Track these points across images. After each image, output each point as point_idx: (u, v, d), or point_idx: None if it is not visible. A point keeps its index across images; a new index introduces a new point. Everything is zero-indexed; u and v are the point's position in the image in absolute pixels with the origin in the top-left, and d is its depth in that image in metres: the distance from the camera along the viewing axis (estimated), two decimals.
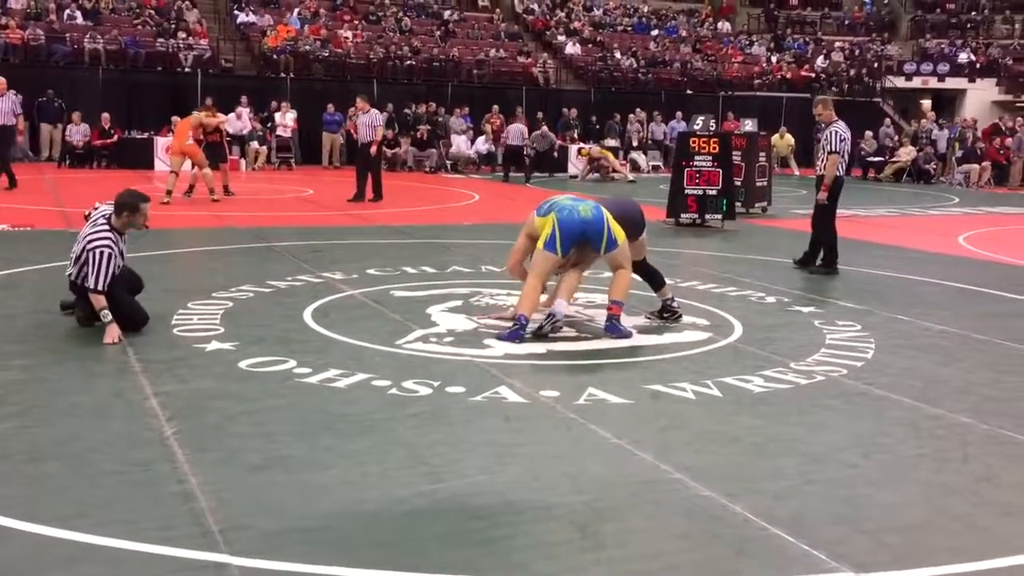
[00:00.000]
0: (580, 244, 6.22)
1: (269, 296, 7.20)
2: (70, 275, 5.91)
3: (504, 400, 4.79)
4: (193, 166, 14.63)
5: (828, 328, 6.63)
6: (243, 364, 5.26)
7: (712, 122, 13.52)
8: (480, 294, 7.45)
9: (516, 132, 21.04)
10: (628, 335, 6.22)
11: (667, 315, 6.75)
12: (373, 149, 14.64)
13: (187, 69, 23.21)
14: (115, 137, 19.99)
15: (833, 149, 9.11)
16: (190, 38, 24.13)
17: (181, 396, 4.64)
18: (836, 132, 9.15)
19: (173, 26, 24.57)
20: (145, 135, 20.66)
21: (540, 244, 6.22)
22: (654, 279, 6.82)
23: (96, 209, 6.08)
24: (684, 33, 32.24)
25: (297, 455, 3.90)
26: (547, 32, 30.17)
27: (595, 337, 6.23)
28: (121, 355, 5.37)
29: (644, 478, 3.83)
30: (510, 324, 6.16)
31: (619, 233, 6.27)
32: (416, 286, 7.76)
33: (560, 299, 6.34)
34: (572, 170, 22.62)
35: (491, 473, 3.81)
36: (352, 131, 14.92)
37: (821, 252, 9.25)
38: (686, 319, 6.76)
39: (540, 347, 5.90)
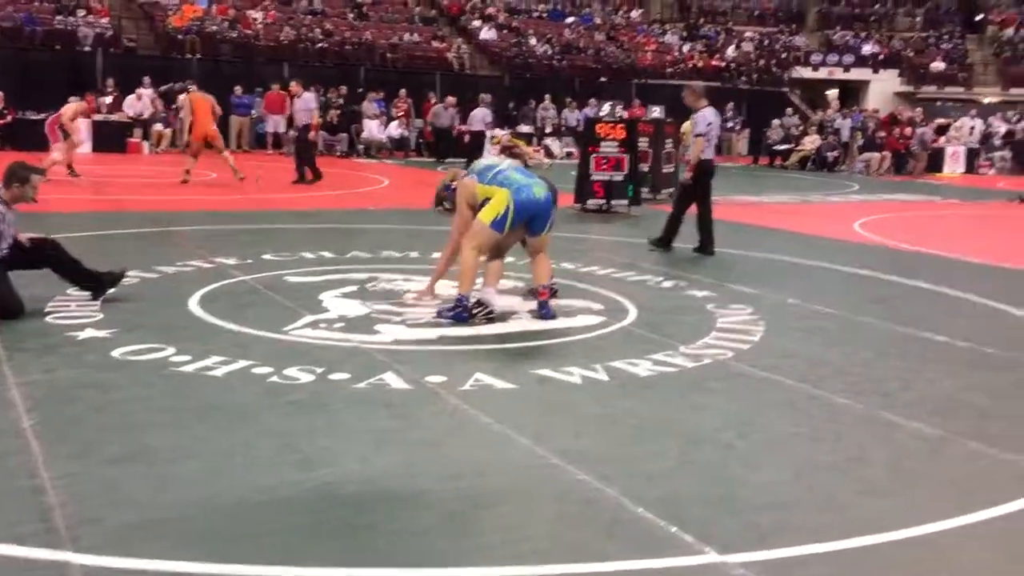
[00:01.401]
0: (524, 224, 6.14)
1: (155, 282, 6.96)
2: None
3: (388, 387, 4.70)
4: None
5: (720, 312, 6.70)
6: (117, 353, 5.05)
7: (619, 108, 13.58)
8: (377, 279, 7.32)
9: (480, 117, 20.64)
10: (555, 316, 6.27)
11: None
12: (312, 134, 14.75)
13: (87, 48, 22.40)
14: (8, 118, 19.16)
15: (699, 132, 9.42)
16: (90, 15, 23.30)
17: (44, 386, 4.44)
18: (704, 116, 9.44)
19: (73, 3, 23.69)
20: (41, 116, 19.82)
21: (486, 219, 6.01)
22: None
23: None
24: (599, 21, 32.41)
25: (161, 446, 3.75)
26: (462, 17, 29.99)
27: (488, 322, 6.17)
28: None
29: (520, 464, 3.79)
30: (436, 303, 6.14)
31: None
32: (312, 271, 7.60)
33: (489, 287, 6.27)
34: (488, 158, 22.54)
35: (365, 461, 3.73)
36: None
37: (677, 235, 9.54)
38: (580, 303, 6.75)
39: (431, 332, 5.82)
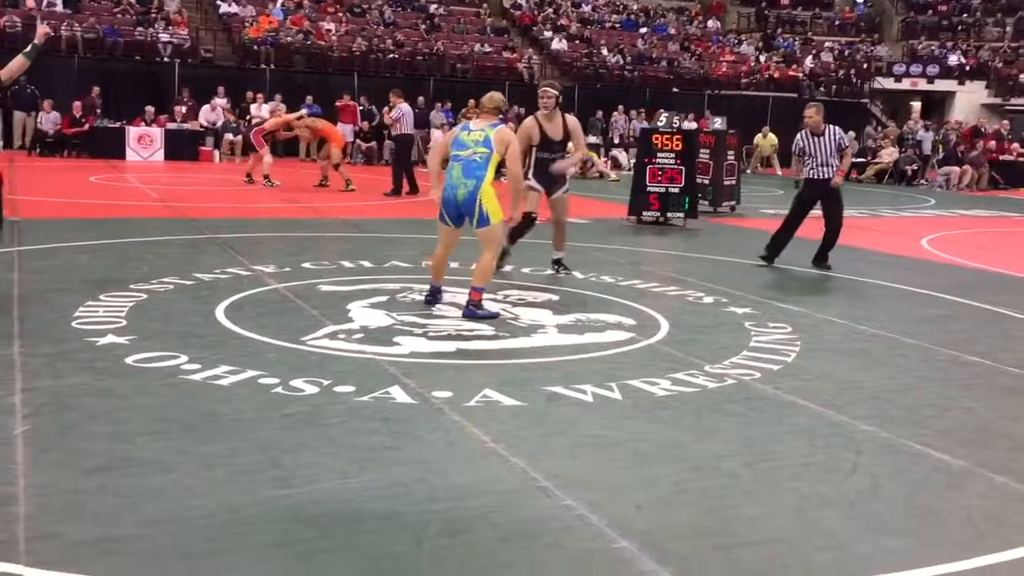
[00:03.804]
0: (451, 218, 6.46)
1: (188, 289, 7.01)
2: None
3: (391, 401, 4.60)
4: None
5: (757, 330, 6.44)
6: (130, 359, 5.07)
7: (677, 119, 13.32)
8: (410, 289, 7.27)
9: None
10: (493, 315, 6.35)
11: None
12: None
13: (165, 59, 23.01)
14: (87, 126, 19.77)
15: (846, 144, 9.48)
16: (170, 27, 23.93)
17: (48, 392, 4.45)
18: (835, 131, 9.37)
19: (153, 15, 24.38)
20: (118, 124, 20.46)
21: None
22: None
23: None
24: (673, 31, 32.04)
25: (143, 457, 3.71)
26: (534, 27, 29.97)
27: (512, 335, 6.04)
28: (6, 348, 5.17)
29: (507, 486, 3.64)
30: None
31: (495, 214, 6.30)
32: (346, 280, 7.58)
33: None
34: None
35: (345, 479, 3.62)
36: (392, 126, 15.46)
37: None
38: (612, 318, 6.58)
39: (450, 345, 5.72)
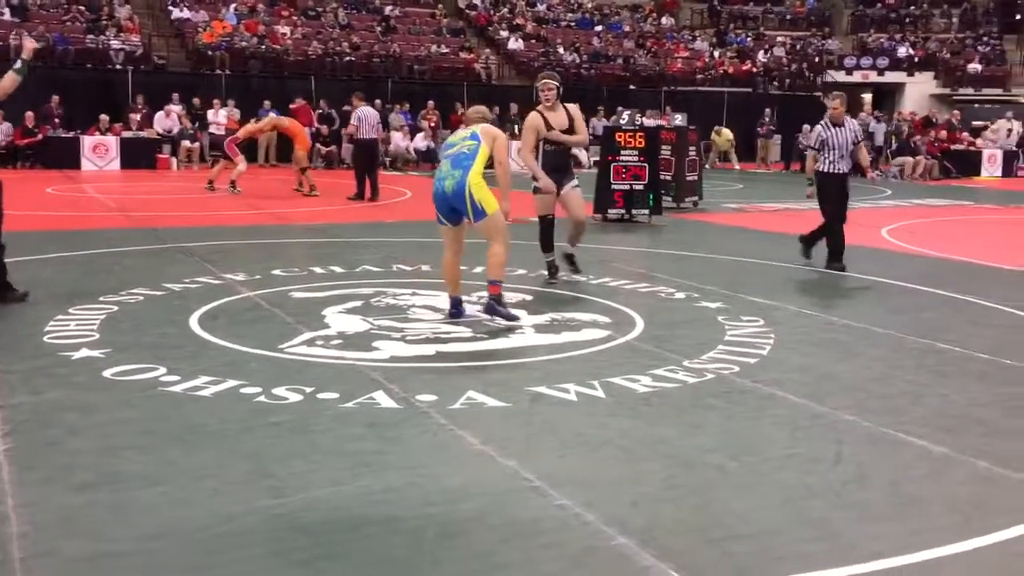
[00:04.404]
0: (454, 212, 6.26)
1: (159, 300, 6.93)
2: None
3: (376, 406, 4.59)
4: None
5: (731, 324, 6.52)
6: (107, 373, 5.00)
7: (638, 116, 13.41)
8: (384, 294, 7.25)
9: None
10: (512, 318, 6.20)
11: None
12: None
13: (118, 66, 22.68)
14: (40, 136, 19.43)
15: (860, 139, 9.16)
16: (122, 34, 23.59)
17: (28, 408, 4.39)
18: (853, 123, 9.15)
19: (104, 22, 24.02)
20: (72, 134, 20.12)
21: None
22: None
23: None
24: (627, 28, 32.22)
25: (132, 471, 3.67)
26: (490, 27, 29.98)
27: (491, 337, 6.05)
28: None
29: (501, 487, 3.66)
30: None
31: (489, 203, 6.14)
32: (319, 287, 7.54)
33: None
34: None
35: (338, 486, 3.62)
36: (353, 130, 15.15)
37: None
38: (587, 317, 6.61)
39: (430, 348, 5.72)
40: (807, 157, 9.31)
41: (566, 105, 8.00)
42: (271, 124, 16.33)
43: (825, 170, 8.92)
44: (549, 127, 7.83)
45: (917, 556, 3.15)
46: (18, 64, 6.47)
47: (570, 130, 7.92)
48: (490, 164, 6.27)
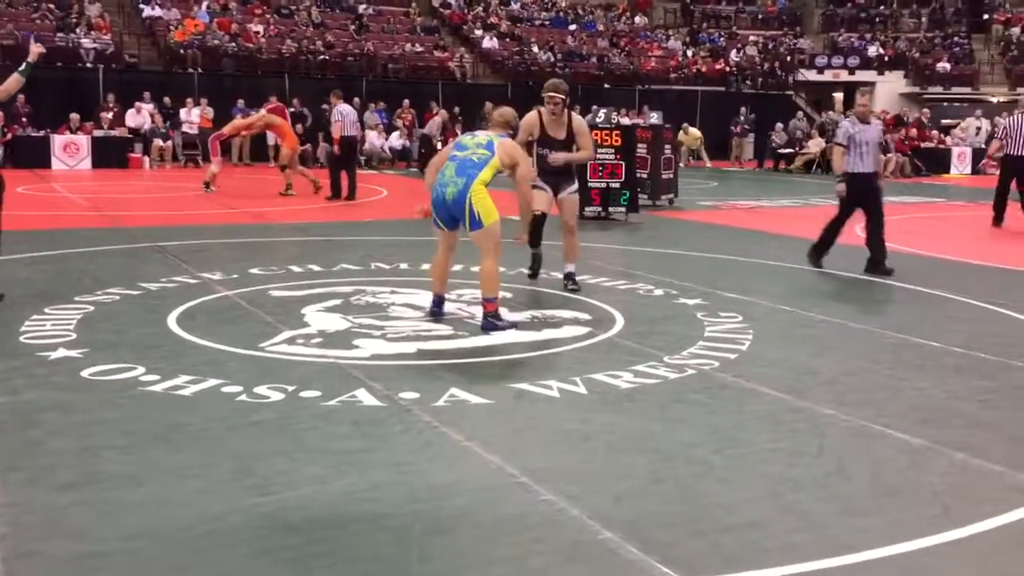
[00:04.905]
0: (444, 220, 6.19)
1: (136, 299, 6.87)
2: None
3: (359, 404, 4.58)
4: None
5: (709, 320, 6.56)
6: (86, 373, 4.96)
7: (615, 115, 13.45)
8: (363, 292, 7.23)
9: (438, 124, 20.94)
10: (510, 327, 6.11)
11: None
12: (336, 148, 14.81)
13: (88, 64, 22.45)
14: (8, 136, 19.18)
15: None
16: (92, 32, 23.35)
17: (7, 409, 4.34)
18: (877, 122, 9.04)
19: (74, 20, 23.76)
20: (42, 133, 19.89)
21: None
22: None
23: None
24: (601, 27, 32.31)
25: (114, 471, 3.65)
26: (464, 26, 29.95)
27: (471, 335, 6.05)
28: None
29: (486, 484, 3.66)
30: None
31: (488, 214, 6.00)
32: (297, 285, 7.50)
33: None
34: None
35: (324, 483, 3.61)
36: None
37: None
38: (568, 314, 6.63)
39: (411, 346, 5.71)
40: (834, 153, 8.87)
41: (572, 116, 7.59)
42: (263, 121, 15.81)
43: (850, 169, 8.58)
44: (544, 132, 7.46)
45: (899, 547, 3.19)
46: (23, 66, 6.70)
47: (567, 142, 7.51)
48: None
